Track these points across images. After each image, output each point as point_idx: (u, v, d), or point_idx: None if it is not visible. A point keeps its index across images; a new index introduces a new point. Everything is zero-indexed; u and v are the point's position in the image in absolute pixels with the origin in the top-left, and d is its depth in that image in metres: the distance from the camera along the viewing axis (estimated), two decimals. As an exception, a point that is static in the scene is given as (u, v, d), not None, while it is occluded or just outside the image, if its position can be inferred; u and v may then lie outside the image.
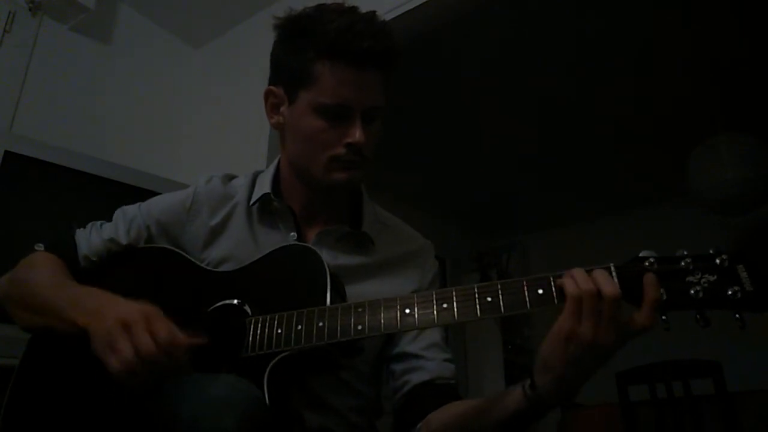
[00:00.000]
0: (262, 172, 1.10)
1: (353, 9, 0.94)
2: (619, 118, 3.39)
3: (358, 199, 1.08)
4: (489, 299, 0.75)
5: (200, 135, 2.59)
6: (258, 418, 0.69)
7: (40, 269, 0.96)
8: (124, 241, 1.03)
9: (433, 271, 1.09)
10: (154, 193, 1.14)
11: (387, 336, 1.00)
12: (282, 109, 0.99)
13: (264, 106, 1.03)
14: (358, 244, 1.03)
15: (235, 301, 0.90)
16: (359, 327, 0.78)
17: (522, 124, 3.44)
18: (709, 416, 2.25)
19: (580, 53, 2.86)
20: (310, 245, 0.93)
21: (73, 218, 1.09)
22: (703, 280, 0.68)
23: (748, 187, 3.00)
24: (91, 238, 1.04)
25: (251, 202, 1.03)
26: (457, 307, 0.75)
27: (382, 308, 0.79)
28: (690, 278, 0.69)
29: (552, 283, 0.73)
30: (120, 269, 1.03)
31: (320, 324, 0.80)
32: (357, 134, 0.92)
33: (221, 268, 0.99)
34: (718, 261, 0.68)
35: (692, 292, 0.68)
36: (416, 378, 0.97)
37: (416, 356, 0.98)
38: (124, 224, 1.04)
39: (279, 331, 0.82)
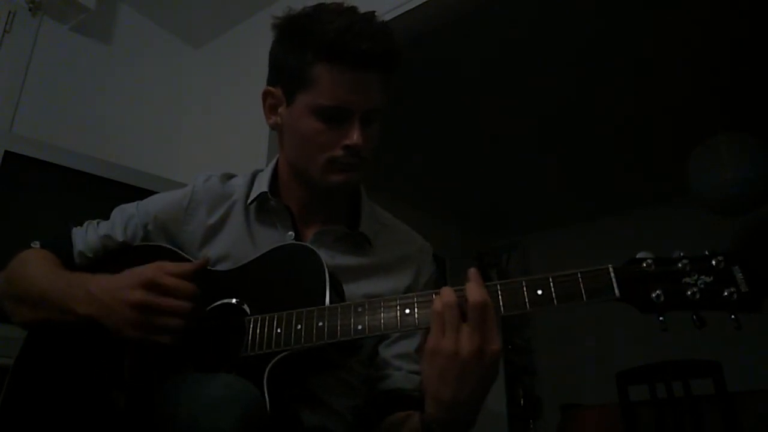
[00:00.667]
0: (261, 171, 1.10)
1: (352, 9, 0.93)
2: (619, 118, 3.39)
3: (356, 199, 1.08)
4: None
5: (200, 135, 2.59)
6: (257, 418, 0.69)
7: (34, 264, 0.96)
8: (120, 238, 1.03)
9: (430, 273, 1.08)
10: (154, 193, 1.14)
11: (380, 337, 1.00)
12: (280, 109, 0.99)
13: (262, 106, 1.02)
14: (356, 244, 1.03)
15: (234, 301, 0.89)
16: (359, 327, 0.78)
17: (522, 124, 3.44)
18: (709, 416, 2.25)
19: (580, 53, 2.86)
20: (308, 244, 0.93)
21: (73, 218, 1.09)
22: (699, 282, 0.69)
23: (748, 187, 3.00)
24: (87, 236, 1.04)
25: (249, 201, 1.03)
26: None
27: (381, 308, 0.79)
28: (686, 279, 0.69)
29: (551, 283, 0.73)
30: (116, 267, 1.02)
31: (320, 324, 0.80)
32: (355, 136, 0.91)
33: (219, 267, 0.98)
34: (714, 262, 0.69)
35: (689, 293, 0.69)
36: (381, 386, 0.98)
37: (387, 364, 0.99)
38: (121, 222, 1.04)
39: (278, 330, 0.82)
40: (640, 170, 3.89)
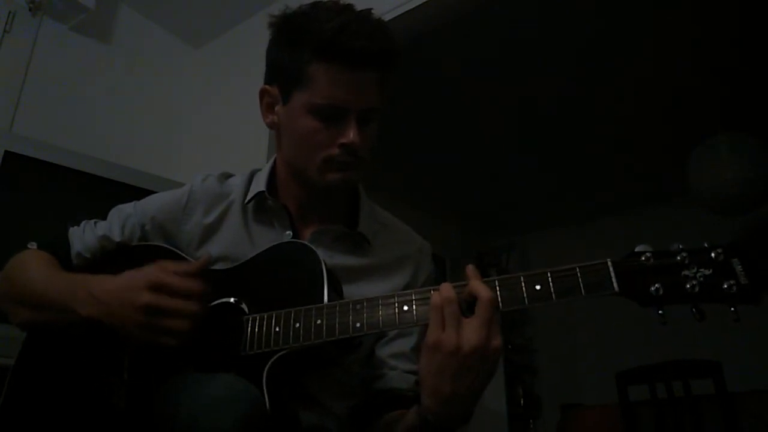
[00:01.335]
0: (259, 170, 1.10)
1: (349, 7, 0.93)
2: (619, 118, 3.39)
3: (355, 198, 1.08)
4: None
5: (200, 135, 2.59)
6: (256, 418, 0.68)
7: (33, 265, 0.96)
8: (117, 238, 1.03)
9: (428, 273, 1.08)
10: (154, 193, 1.14)
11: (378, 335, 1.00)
12: (277, 108, 0.99)
13: (259, 105, 1.02)
14: (355, 244, 1.03)
15: (232, 300, 0.89)
16: (358, 324, 0.78)
17: (522, 124, 3.45)
18: (709, 416, 2.25)
19: (580, 53, 2.86)
20: (306, 242, 0.92)
21: (73, 218, 1.09)
22: (698, 274, 0.68)
23: (748, 187, 3.00)
24: (84, 236, 1.04)
25: (246, 201, 1.03)
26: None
27: (380, 305, 0.79)
28: (686, 272, 0.69)
29: (550, 278, 0.73)
30: (113, 267, 1.02)
31: (318, 322, 0.80)
32: (351, 135, 0.91)
33: (217, 267, 0.98)
34: (713, 255, 0.69)
35: (688, 286, 0.68)
36: (376, 386, 0.98)
37: (382, 363, 0.99)
38: (119, 222, 1.04)
39: (277, 329, 0.82)
40: (640, 170, 3.89)
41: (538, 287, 0.73)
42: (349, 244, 1.02)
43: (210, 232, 1.02)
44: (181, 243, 1.03)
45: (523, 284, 0.74)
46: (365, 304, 0.79)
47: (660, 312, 0.70)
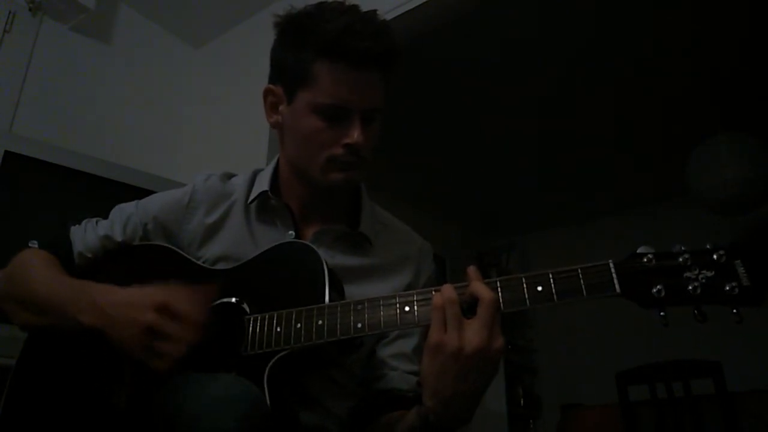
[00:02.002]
0: (261, 170, 1.10)
1: (354, 8, 0.93)
2: (619, 118, 3.39)
3: (357, 199, 1.08)
4: None
5: (200, 135, 2.59)
6: (257, 418, 0.68)
7: (36, 267, 0.95)
8: (119, 238, 1.03)
9: (429, 273, 1.08)
10: (154, 193, 1.14)
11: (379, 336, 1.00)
12: (281, 108, 0.99)
13: (263, 105, 1.02)
14: (356, 244, 1.03)
15: (233, 300, 0.89)
16: (359, 325, 0.78)
17: (522, 123, 3.45)
18: (709, 416, 2.25)
19: (580, 53, 2.86)
20: (307, 243, 0.92)
21: (73, 218, 1.09)
22: (700, 276, 0.68)
23: (748, 187, 3.00)
24: (86, 236, 1.04)
25: (249, 200, 1.03)
26: None
27: (381, 306, 0.78)
28: (688, 274, 0.69)
29: (551, 279, 0.73)
30: (115, 266, 1.02)
31: (320, 322, 0.80)
32: (355, 135, 0.91)
33: (218, 266, 0.98)
34: (715, 256, 0.68)
35: (690, 288, 0.68)
36: (377, 386, 0.98)
37: (382, 364, 0.99)
38: (121, 221, 1.04)
39: (278, 329, 0.82)
40: (640, 170, 3.89)
41: (539, 288, 0.72)
42: (350, 244, 1.02)
43: (212, 231, 1.02)
44: (183, 242, 1.03)
45: (524, 285, 0.73)
46: (366, 304, 0.79)
47: (662, 314, 0.70)
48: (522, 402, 4.30)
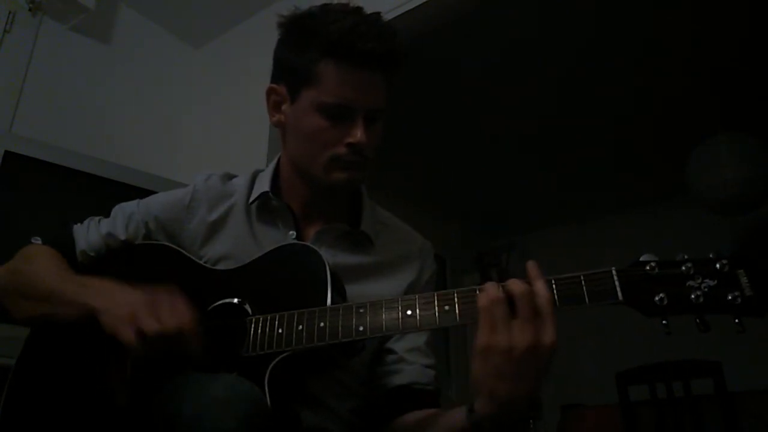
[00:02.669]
0: (261, 171, 1.10)
1: (358, 9, 0.94)
2: (618, 118, 3.39)
3: (357, 198, 1.08)
4: None
5: (200, 135, 2.59)
6: (258, 419, 0.68)
7: (41, 260, 0.96)
8: (122, 236, 1.03)
9: (430, 272, 1.08)
10: (154, 193, 1.14)
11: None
12: (284, 107, 0.99)
13: (266, 104, 1.02)
14: (357, 243, 1.03)
15: (236, 300, 0.89)
16: (361, 328, 0.78)
17: (522, 123, 3.44)
18: (709, 416, 2.25)
19: (580, 53, 2.86)
20: (310, 245, 0.92)
21: (73, 218, 1.09)
22: (703, 285, 0.68)
23: (748, 187, 3.00)
24: (88, 234, 1.04)
25: (250, 201, 1.03)
26: (459, 309, 0.75)
27: (383, 309, 0.78)
28: (690, 283, 0.68)
29: (554, 285, 0.73)
30: (118, 265, 1.02)
31: (321, 324, 0.80)
32: (359, 134, 0.92)
33: (220, 266, 0.98)
34: (718, 266, 0.68)
35: (692, 296, 0.68)
36: (394, 381, 0.97)
37: (398, 358, 0.99)
38: (123, 219, 1.04)
39: (280, 331, 0.82)
40: (641, 170, 3.89)
41: (547, 292, 0.72)
42: (352, 243, 1.03)
43: (214, 229, 1.03)
44: (185, 242, 1.03)
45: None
46: (368, 307, 0.79)
47: (664, 322, 0.69)
48: (522, 402, 4.29)
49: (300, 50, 0.94)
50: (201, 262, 0.99)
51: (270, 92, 1.01)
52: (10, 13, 2.11)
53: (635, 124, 3.43)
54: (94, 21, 2.37)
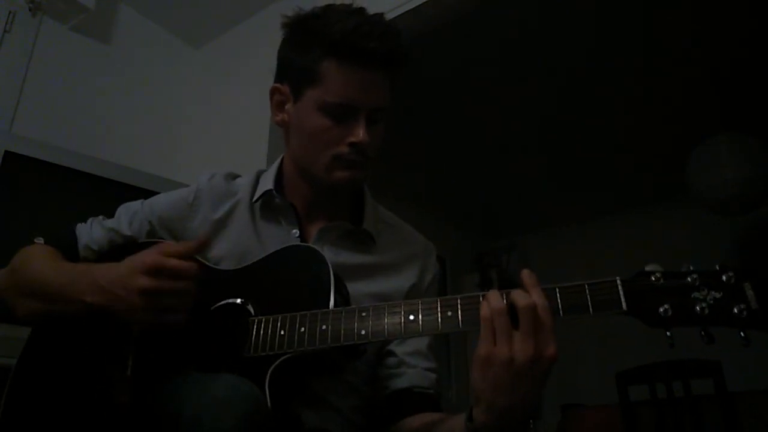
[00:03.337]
0: (264, 171, 1.11)
1: (361, 10, 0.95)
2: (618, 118, 3.39)
3: (360, 197, 1.09)
4: None
5: (200, 135, 2.59)
6: (259, 419, 0.68)
7: (38, 257, 0.96)
8: (126, 232, 1.04)
9: (433, 273, 1.09)
10: (154, 193, 1.14)
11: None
12: (287, 107, 1.00)
13: (269, 103, 1.03)
14: (360, 242, 1.03)
15: (238, 301, 0.90)
16: (363, 332, 0.78)
17: (522, 124, 3.45)
18: (709, 416, 2.25)
19: (580, 53, 2.86)
20: (315, 247, 0.92)
21: (73, 218, 1.09)
22: (708, 297, 0.67)
23: (748, 187, 3.00)
24: (92, 231, 1.05)
25: (254, 199, 1.04)
26: (461, 315, 0.75)
27: (386, 313, 0.78)
28: (696, 294, 0.68)
29: (558, 294, 0.73)
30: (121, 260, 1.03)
31: (323, 327, 0.80)
32: (361, 134, 0.92)
33: (224, 265, 0.99)
34: (724, 278, 0.67)
35: (698, 308, 0.67)
36: (395, 384, 0.97)
37: (399, 361, 0.99)
38: (126, 217, 1.05)
39: (282, 332, 0.82)
40: (640, 170, 3.89)
41: (547, 303, 0.71)
42: (354, 242, 1.03)
43: (218, 228, 1.03)
44: (189, 240, 1.03)
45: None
46: (371, 311, 0.79)
47: (668, 334, 0.69)
48: (522, 402, 4.29)
49: (303, 50, 0.95)
50: (204, 261, 0.99)
51: (273, 92, 1.02)
52: (10, 13, 2.11)
53: (635, 124, 3.43)
54: (94, 21, 2.37)
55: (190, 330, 0.86)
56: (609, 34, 2.73)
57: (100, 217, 1.08)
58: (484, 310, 0.71)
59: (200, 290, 0.93)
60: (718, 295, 0.67)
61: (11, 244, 1.02)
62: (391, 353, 1.00)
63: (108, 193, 1.81)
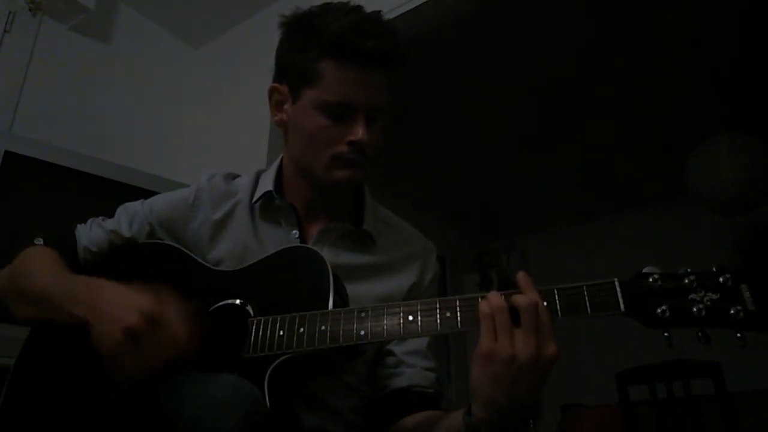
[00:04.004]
0: (264, 171, 1.10)
1: (358, 8, 0.94)
2: (618, 118, 3.39)
3: (360, 197, 1.08)
4: None
5: (200, 135, 2.59)
6: (258, 420, 0.68)
7: (37, 261, 0.96)
8: (126, 233, 1.04)
9: (433, 272, 1.09)
10: (154, 193, 1.14)
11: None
12: (286, 106, 1.00)
13: (268, 103, 1.03)
14: (360, 242, 1.03)
15: (238, 301, 0.89)
16: (362, 332, 0.78)
17: (522, 124, 3.44)
18: (709, 416, 2.25)
19: (580, 53, 2.86)
20: (314, 248, 0.92)
21: (73, 218, 1.09)
22: (705, 299, 0.68)
23: (748, 187, 3.00)
24: (91, 232, 1.04)
25: (254, 200, 1.04)
26: (460, 316, 0.75)
27: (385, 314, 0.78)
28: (693, 296, 0.69)
29: (556, 295, 0.73)
30: (121, 264, 1.02)
31: (322, 328, 0.80)
32: (360, 133, 0.92)
33: (223, 266, 0.98)
34: (721, 279, 0.68)
35: (695, 310, 0.68)
36: (394, 384, 0.97)
37: (398, 361, 0.99)
38: (127, 218, 1.05)
39: (281, 333, 0.82)
40: (640, 170, 3.89)
41: (544, 303, 0.72)
42: (354, 242, 1.03)
43: (218, 229, 1.03)
44: (189, 241, 1.03)
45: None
46: (370, 312, 0.79)
47: (666, 334, 0.70)
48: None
49: (301, 49, 0.95)
50: (204, 262, 1.00)
51: (272, 92, 1.02)
52: (10, 13, 2.11)
53: (635, 125, 3.43)
54: (94, 21, 2.37)
55: (190, 330, 0.86)
56: (609, 34, 2.73)
57: (100, 218, 1.08)
58: (484, 307, 0.72)
59: (200, 291, 0.94)
60: (715, 297, 0.68)
61: (11, 244, 1.02)
62: (390, 353, 1.00)
63: (108, 193, 1.81)
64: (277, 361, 0.80)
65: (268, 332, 0.83)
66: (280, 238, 1.00)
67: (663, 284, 0.70)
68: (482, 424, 0.74)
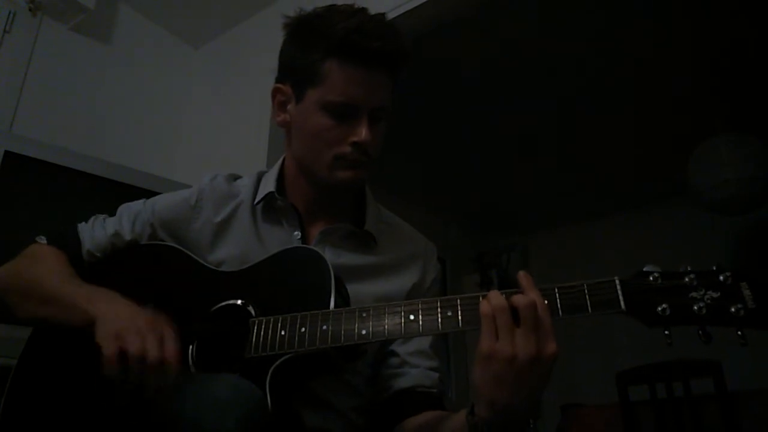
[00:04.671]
0: (265, 172, 1.10)
1: (363, 10, 0.95)
2: (619, 118, 3.39)
3: (361, 198, 1.09)
4: None
5: (200, 135, 2.59)
6: (260, 420, 0.69)
7: (46, 261, 0.96)
8: (128, 236, 1.04)
9: (435, 273, 1.09)
10: (154, 193, 1.14)
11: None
12: (289, 107, 1.00)
13: (271, 103, 1.03)
14: (362, 243, 1.03)
15: (239, 302, 0.89)
16: (363, 332, 0.78)
17: (522, 124, 3.44)
18: (709, 416, 2.25)
19: (581, 53, 2.86)
20: (316, 249, 0.92)
21: (73, 218, 1.09)
22: (706, 297, 0.68)
23: (748, 187, 3.00)
24: (94, 234, 1.04)
25: (256, 201, 1.04)
26: (461, 315, 0.75)
27: (386, 314, 0.78)
28: (693, 294, 0.69)
29: (557, 293, 0.73)
30: (124, 266, 1.03)
31: (324, 327, 0.80)
32: (363, 133, 0.92)
33: (225, 267, 0.98)
34: (721, 278, 0.68)
35: (695, 308, 0.68)
36: (398, 384, 0.97)
37: (402, 361, 0.99)
38: (129, 219, 1.05)
39: (282, 333, 0.82)
40: (641, 170, 3.89)
41: (545, 302, 0.72)
42: (356, 243, 1.03)
43: (220, 230, 1.03)
44: (190, 242, 1.03)
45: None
46: (371, 311, 0.79)
47: (666, 333, 0.70)
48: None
49: (305, 50, 0.95)
50: (205, 263, 0.99)
51: (275, 92, 1.02)
52: (10, 13, 2.11)
53: (635, 125, 3.43)
54: (94, 21, 2.37)
55: (191, 330, 0.86)
56: (609, 35, 2.73)
57: (102, 216, 1.08)
58: (485, 307, 0.72)
59: (202, 291, 0.94)
60: (715, 295, 0.68)
61: (11, 244, 1.02)
62: (394, 353, 1.00)
63: (108, 193, 1.81)
64: (279, 361, 0.81)
65: (270, 332, 0.83)
66: (282, 238, 1.00)
67: (663, 283, 0.70)
68: (485, 424, 0.74)
